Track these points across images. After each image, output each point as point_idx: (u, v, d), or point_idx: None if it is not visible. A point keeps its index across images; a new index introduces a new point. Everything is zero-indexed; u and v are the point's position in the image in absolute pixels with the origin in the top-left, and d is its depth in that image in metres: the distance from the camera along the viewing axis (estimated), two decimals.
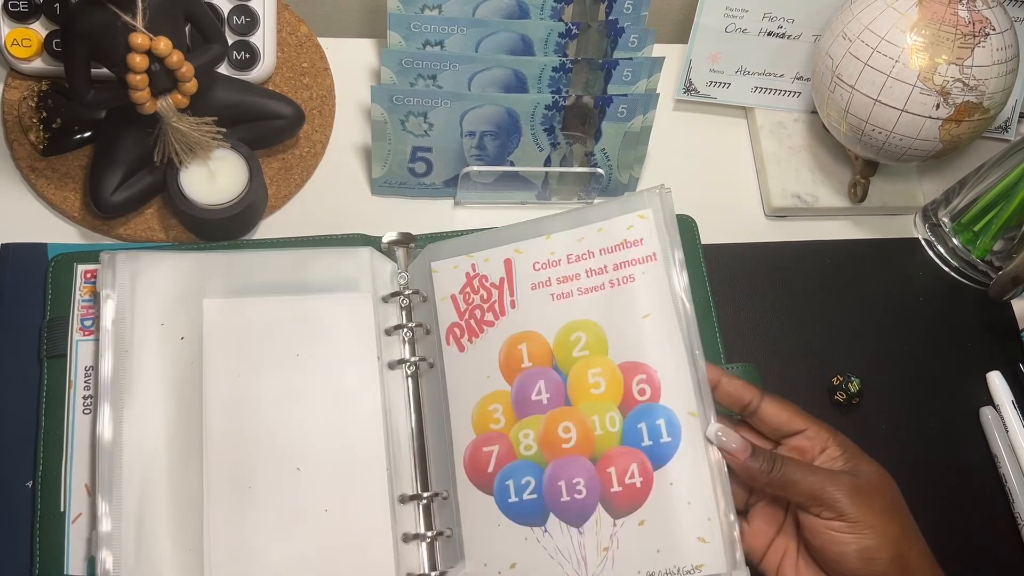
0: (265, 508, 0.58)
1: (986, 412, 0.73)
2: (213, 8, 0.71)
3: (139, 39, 0.58)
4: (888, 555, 0.54)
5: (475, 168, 0.72)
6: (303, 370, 0.62)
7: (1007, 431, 0.72)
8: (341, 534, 0.59)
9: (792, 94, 0.82)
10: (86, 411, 0.61)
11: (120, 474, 0.57)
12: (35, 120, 0.69)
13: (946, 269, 0.79)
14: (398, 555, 0.59)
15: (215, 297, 0.63)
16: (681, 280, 0.61)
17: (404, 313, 0.66)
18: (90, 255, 0.65)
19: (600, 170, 0.74)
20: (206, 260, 0.64)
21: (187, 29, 0.64)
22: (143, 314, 0.61)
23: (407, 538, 0.60)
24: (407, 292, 0.66)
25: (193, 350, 0.61)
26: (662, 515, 0.57)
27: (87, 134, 0.70)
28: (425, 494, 0.61)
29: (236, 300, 0.63)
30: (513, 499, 0.59)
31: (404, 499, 0.61)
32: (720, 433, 0.57)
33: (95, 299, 0.63)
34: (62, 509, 0.58)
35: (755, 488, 0.59)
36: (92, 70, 0.62)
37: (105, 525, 0.56)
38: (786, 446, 0.59)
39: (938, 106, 0.69)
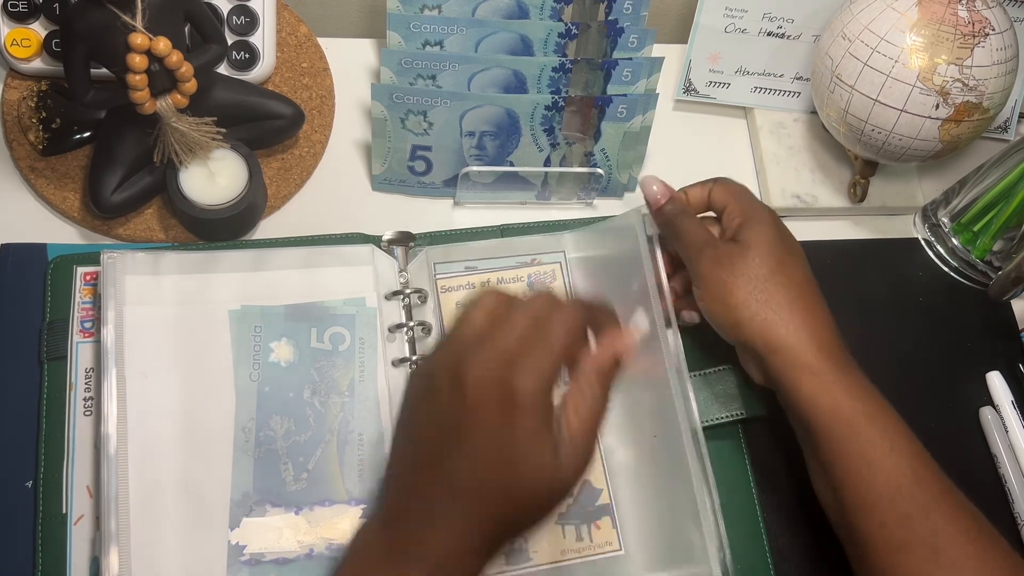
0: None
1: (986, 412, 0.73)
2: (213, 8, 0.71)
3: (138, 39, 0.58)
4: (728, 321, 0.60)
5: (474, 168, 0.72)
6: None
7: (1007, 431, 0.72)
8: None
9: (792, 94, 0.82)
10: (87, 413, 0.61)
11: (125, 472, 0.57)
12: (34, 120, 0.69)
13: (946, 269, 0.79)
14: None
15: (217, 296, 0.63)
16: None
17: (405, 312, 0.66)
18: (90, 256, 0.65)
19: (600, 170, 0.73)
20: (207, 260, 0.64)
21: (187, 29, 0.64)
22: (145, 313, 0.61)
23: None
24: (408, 292, 0.66)
25: (196, 347, 0.61)
26: None
27: (86, 134, 0.70)
28: None
29: (240, 298, 0.63)
30: None
31: None
32: (646, 180, 0.64)
33: (95, 301, 0.63)
34: (64, 511, 0.58)
35: (665, 234, 0.65)
36: (92, 70, 0.62)
37: (110, 524, 0.56)
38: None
39: (938, 106, 0.69)
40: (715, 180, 0.66)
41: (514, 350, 0.45)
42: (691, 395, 0.60)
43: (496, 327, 0.46)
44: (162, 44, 0.59)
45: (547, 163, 0.74)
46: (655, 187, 0.64)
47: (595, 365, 0.48)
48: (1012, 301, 0.77)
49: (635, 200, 0.77)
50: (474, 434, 0.45)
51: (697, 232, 0.62)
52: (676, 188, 0.66)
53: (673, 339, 0.62)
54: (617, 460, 0.63)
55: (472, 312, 0.47)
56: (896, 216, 0.81)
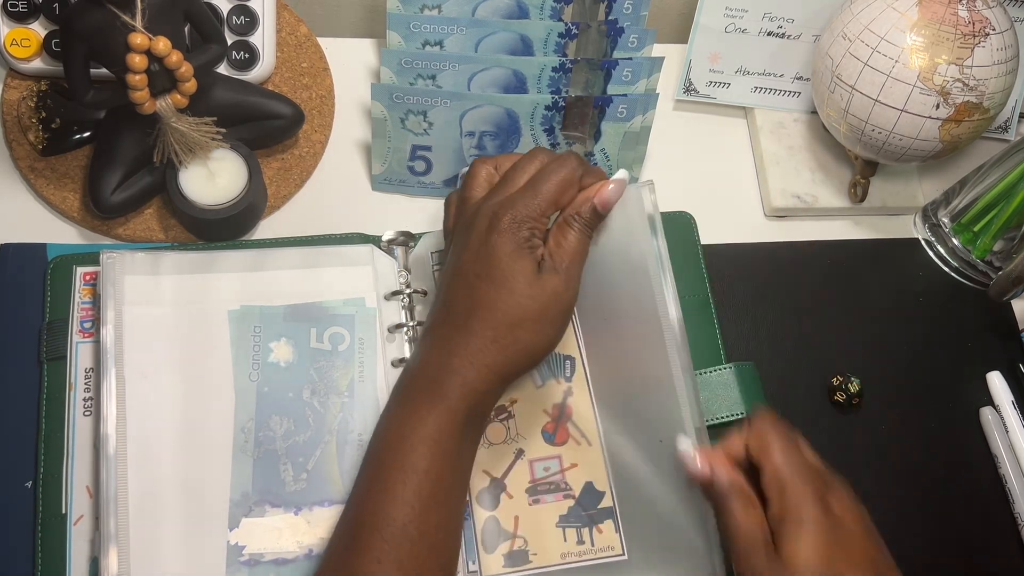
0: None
1: (986, 412, 0.73)
2: (212, 8, 0.71)
3: (138, 39, 0.58)
4: None
5: None
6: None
7: (1007, 431, 0.72)
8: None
9: (792, 94, 0.82)
10: (87, 413, 0.61)
11: (125, 472, 0.57)
12: (34, 120, 0.69)
13: (946, 269, 0.79)
14: None
15: (216, 296, 0.63)
16: None
17: (405, 312, 0.66)
18: (89, 256, 0.65)
19: None
20: (206, 260, 0.64)
21: (187, 29, 0.64)
22: (145, 313, 0.61)
23: None
24: (407, 291, 0.66)
25: (196, 348, 0.61)
26: None
27: (86, 134, 0.70)
28: None
29: (240, 298, 0.63)
30: None
31: None
32: (684, 452, 0.56)
33: (95, 301, 0.63)
34: (64, 511, 0.58)
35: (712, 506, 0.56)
36: (91, 70, 0.62)
37: (110, 524, 0.56)
38: None
39: (938, 106, 0.69)
40: (751, 423, 0.56)
41: (512, 197, 0.56)
42: (695, 392, 0.59)
43: (500, 183, 0.58)
44: (162, 44, 0.59)
45: None
46: (695, 455, 0.55)
47: (575, 208, 0.57)
48: (1012, 301, 0.77)
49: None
50: (466, 260, 0.55)
51: (743, 526, 0.52)
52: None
53: (679, 332, 0.60)
54: (621, 463, 0.62)
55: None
56: (896, 216, 0.81)
